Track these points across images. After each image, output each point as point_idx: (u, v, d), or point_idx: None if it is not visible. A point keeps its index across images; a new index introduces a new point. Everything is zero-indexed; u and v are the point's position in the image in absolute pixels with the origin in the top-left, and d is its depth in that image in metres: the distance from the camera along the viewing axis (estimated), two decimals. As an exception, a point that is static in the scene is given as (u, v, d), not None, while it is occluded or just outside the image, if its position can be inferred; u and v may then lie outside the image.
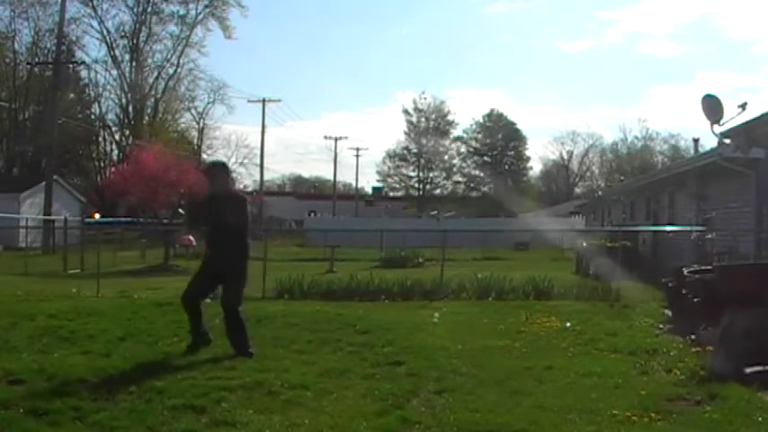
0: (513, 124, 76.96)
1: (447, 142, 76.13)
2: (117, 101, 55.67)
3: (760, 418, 4.86)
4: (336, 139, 66.86)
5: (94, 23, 53.16)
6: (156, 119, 55.41)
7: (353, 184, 76.94)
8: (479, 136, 76.65)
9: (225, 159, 61.72)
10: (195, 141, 60.96)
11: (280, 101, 62.42)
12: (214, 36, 72.21)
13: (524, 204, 51.96)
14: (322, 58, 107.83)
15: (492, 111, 77.21)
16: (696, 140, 28.55)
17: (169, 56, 55.17)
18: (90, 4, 52.16)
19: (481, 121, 76.64)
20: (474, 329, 8.75)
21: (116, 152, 55.96)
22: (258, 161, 58.80)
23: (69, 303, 11.04)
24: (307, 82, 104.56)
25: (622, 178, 47.95)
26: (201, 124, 61.98)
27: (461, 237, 25.73)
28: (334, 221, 51.07)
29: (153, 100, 55.80)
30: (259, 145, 58.03)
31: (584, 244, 20.28)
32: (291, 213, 59.54)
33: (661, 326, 8.95)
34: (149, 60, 55.78)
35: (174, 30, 55.28)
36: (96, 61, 54.85)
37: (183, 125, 60.88)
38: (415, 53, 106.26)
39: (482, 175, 76.29)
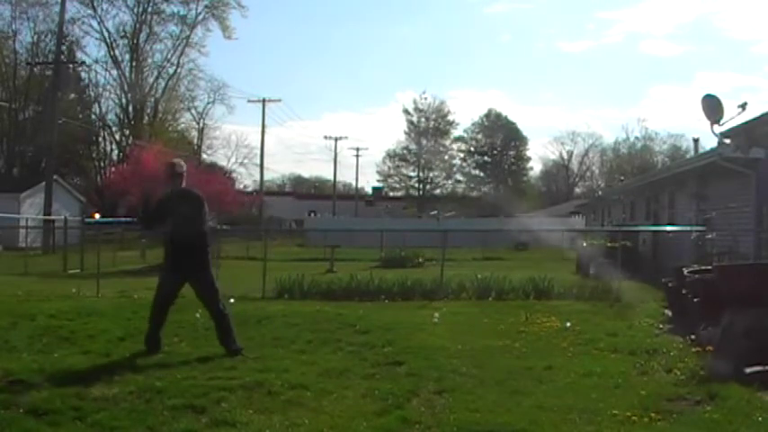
0: (513, 124, 77.02)
1: (447, 142, 76.23)
2: (117, 101, 55.73)
3: (760, 418, 4.86)
4: (336, 139, 66.91)
5: (94, 23, 53.21)
6: (156, 119, 55.43)
7: (353, 184, 77.04)
8: (479, 136, 76.67)
9: (225, 159, 62.20)
10: (195, 141, 61.06)
11: (280, 101, 62.43)
12: (214, 36, 72.20)
13: (524, 204, 51.96)
14: (322, 59, 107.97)
15: (490, 111, 77.31)
16: (696, 140, 28.56)
17: (169, 56, 55.23)
18: (90, 4, 52.20)
19: (479, 121, 76.78)
20: (474, 329, 8.75)
21: (116, 152, 56.01)
22: (258, 161, 58.85)
23: (69, 303, 11.04)
24: (307, 82, 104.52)
25: (622, 178, 47.94)
26: (201, 124, 62.09)
27: (461, 237, 25.75)
28: (335, 221, 51.05)
29: (153, 100, 55.82)
30: (259, 145, 58.06)
31: (585, 244, 20.30)
32: (291, 213, 59.55)
33: (661, 326, 8.95)
34: (149, 60, 55.84)
35: (174, 30, 55.34)
36: (97, 61, 54.89)
37: (182, 125, 60.99)
38: (416, 53, 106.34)
39: (482, 174, 76.35)
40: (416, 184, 75.25)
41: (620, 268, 12.60)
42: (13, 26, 51.36)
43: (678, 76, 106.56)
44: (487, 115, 76.72)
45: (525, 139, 77.57)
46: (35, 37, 51.42)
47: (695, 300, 8.07)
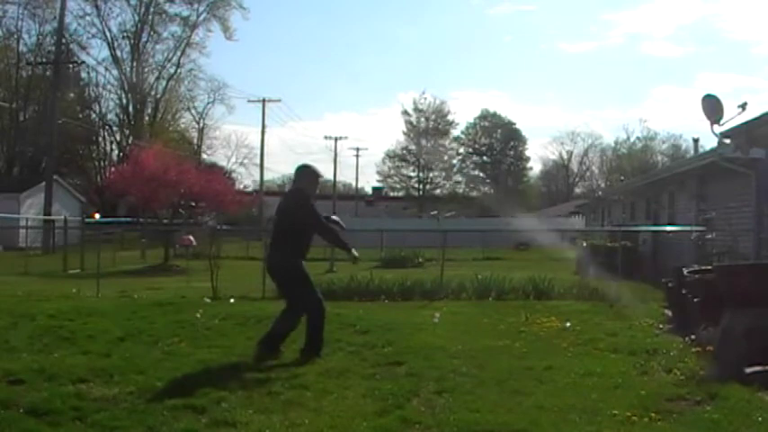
0: (513, 124, 77.07)
1: (447, 142, 76.19)
2: (117, 101, 55.74)
3: (760, 418, 4.85)
4: (336, 139, 66.86)
5: (97, 22, 53.27)
6: (156, 119, 55.48)
7: (354, 184, 77.03)
8: (479, 136, 76.66)
9: (225, 159, 62.14)
10: (195, 141, 61.10)
11: (279, 101, 62.51)
12: (215, 36, 72.15)
13: (524, 204, 51.96)
14: (325, 59, 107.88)
15: (486, 111, 77.30)
16: (696, 140, 28.57)
17: (170, 56, 55.31)
18: (93, 3, 52.24)
19: (474, 121, 76.79)
20: (474, 329, 8.75)
21: (116, 152, 55.98)
22: (258, 161, 58.84)
23: (69, 303, 11.02)
24: (309, 82, 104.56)
25: (622, 178, 47.93)
26: (201, 124, 62.10)
27: (461, 237, 25.74)
28: (335, 221, 50.87)
29: (153, 100, 55.85)
30: (259, 145, 58.04)
31: (585, 244, 20.31)
32: (292, 213, 59.39)
33: (661, 326, 8.95)
34: (150, 60, 55.88)
35: (175, 30, 55.41)
36: (98, 61, 54.98)
37: (183, 125, 61.05)
38: (419, 55, 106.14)
39: (482, 175, 76.35)
40: (416, 185, 75.23)
41: (620, 268, 12.59)
42: (18, 26, 51.41)
43: (679, 77, 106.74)
44: (484, 116, 76.79)
45: (524, 139, 77.74)
46: (39, 37, 51.46)
47: (695, 300, 8.07)
